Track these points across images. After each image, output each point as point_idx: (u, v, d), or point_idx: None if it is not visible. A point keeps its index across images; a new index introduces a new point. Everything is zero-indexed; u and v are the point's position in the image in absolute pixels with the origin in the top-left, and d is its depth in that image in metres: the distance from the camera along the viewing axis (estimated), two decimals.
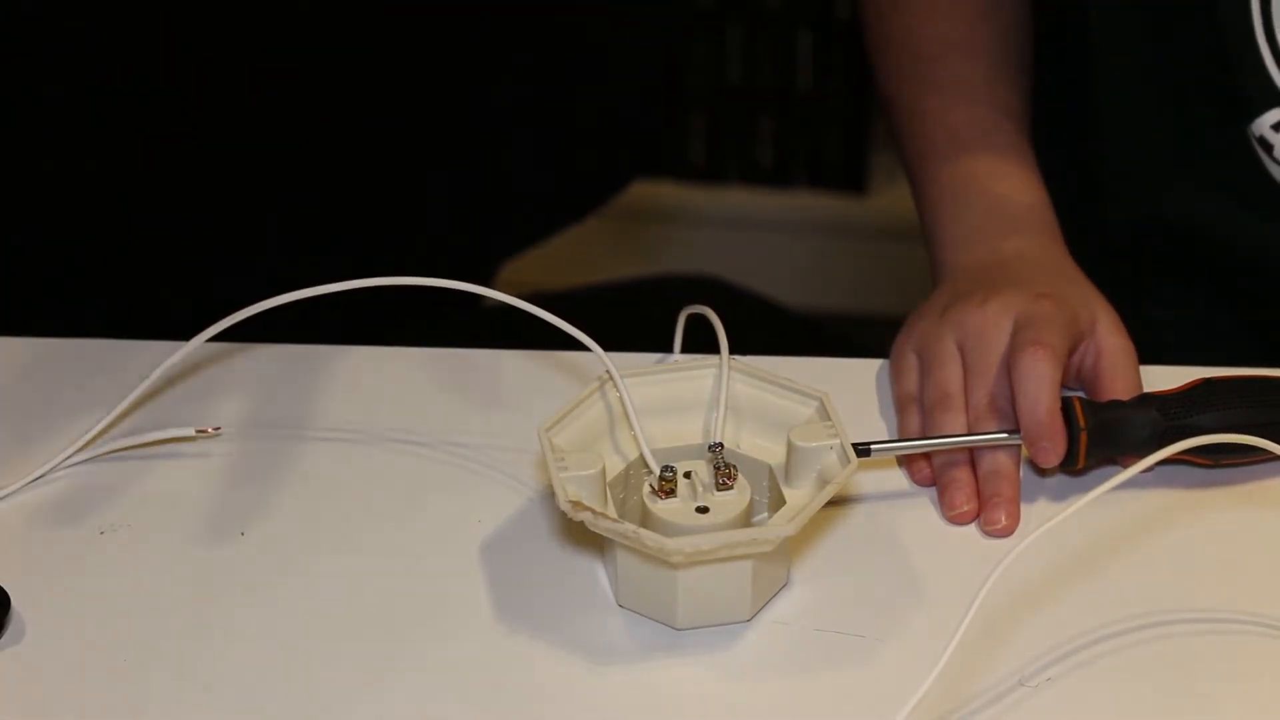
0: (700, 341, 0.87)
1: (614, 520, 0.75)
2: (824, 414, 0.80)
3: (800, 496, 0.79)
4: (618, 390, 0.82)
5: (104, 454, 0.87)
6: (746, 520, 0.78)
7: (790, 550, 0.80)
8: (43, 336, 0.96)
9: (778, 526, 0.75)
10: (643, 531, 0.74)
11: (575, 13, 1.25)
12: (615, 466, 0.81)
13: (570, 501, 0.76)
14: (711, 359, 0.83)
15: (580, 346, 0.81)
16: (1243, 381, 0.87)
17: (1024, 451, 0.86)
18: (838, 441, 0.79)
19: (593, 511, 0.75)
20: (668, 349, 0.90)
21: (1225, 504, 0.85)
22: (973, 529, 0.84)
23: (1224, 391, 0.86)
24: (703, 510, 0.78)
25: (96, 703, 0.74)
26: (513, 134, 1.27)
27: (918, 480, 0.87)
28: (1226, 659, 0.76)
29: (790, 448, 0.79)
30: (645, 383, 0.83)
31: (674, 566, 0.76)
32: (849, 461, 0.78)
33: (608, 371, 0.82)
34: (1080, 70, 1.05)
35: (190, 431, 0.87)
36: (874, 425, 0.91)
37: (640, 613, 0.78)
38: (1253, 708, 0.74)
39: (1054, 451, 0.84)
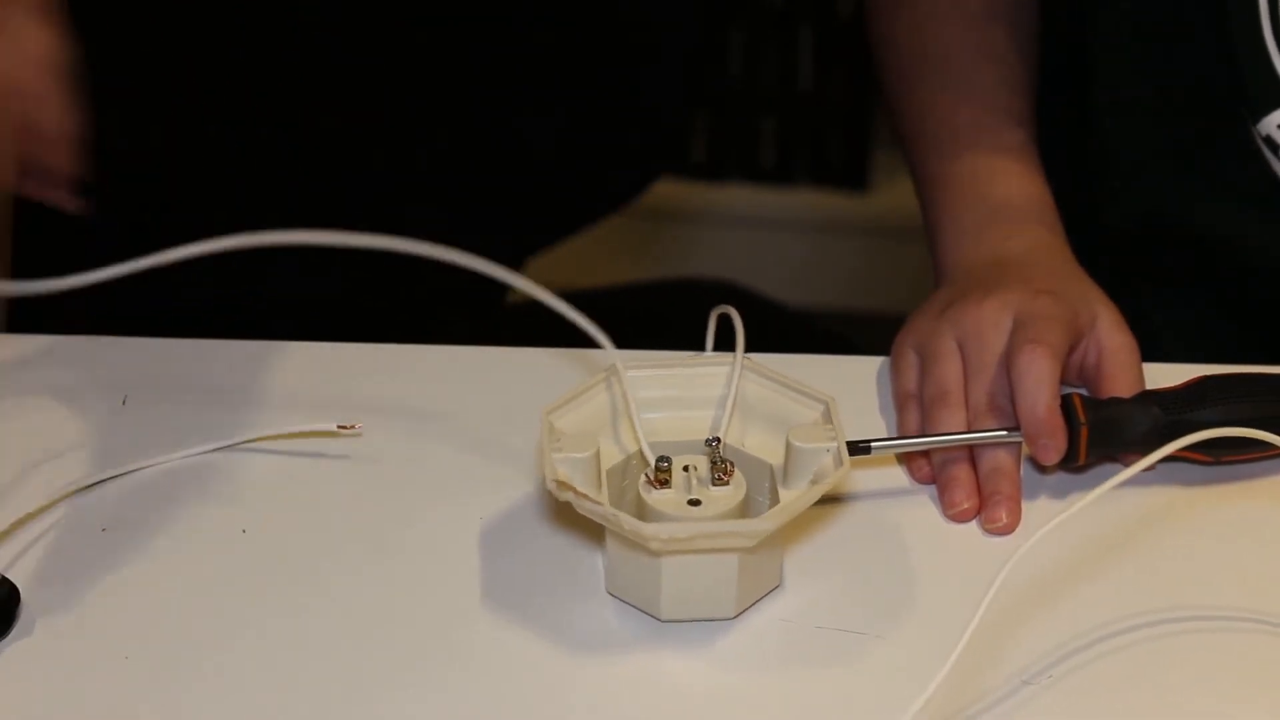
0: (733, 343, 0.87)
1: (595, 502, 0.76)
2: (828, 417, 0.81)
3: (793, 497, 0.79)
4: (625, 382, 0.82)
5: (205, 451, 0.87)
6: (740, 516, 0.78)
7: (782, 553, 0.80)
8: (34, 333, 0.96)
9: (755, 521, 0.75)
10: (621, 515, 0.75)
11: (602, 9, 1.25)
12: (615, 456, 0.82)
13: (556, 481, 0.76)
14: (727, 357, 0.84)
15: (591, 345, 0.82)
16: (1243, 378, 0.87)
17: (1024, 449, 0.86)
18: (835, 444, 0.79)
19: (575, 492, 0.76)
20: (676, 349, 0.91)
21: (1227, 501, 0.86)
22: (973, 527, 0.84)
23: (1225, 387, 0.86)
24: (695, 503, 0.78)
25: (104, 697, 0.74)
26: (539, 129, 1.27)
27: (918, 478, 0.87)
28: (1230, 657, 0.77)
29: (788, 448, 0.80)
30: (658, 376, 0.83)
31: (655, 554, 0.76)
32: (842, 464, 0.78)
33: (614, 363, 0.82)
34: (1082, 68, 1.05)
35: (333, 427, 0.87)
36: (874, 423, 0.91)
37: (627, 601, 0.79)
38: (1257, 706, 0.74)
39: (1054, 449, 0.85)
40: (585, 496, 0.76)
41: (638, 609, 0.78)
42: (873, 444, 0.84)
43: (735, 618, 0.78)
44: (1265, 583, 0.81)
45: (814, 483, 0.78)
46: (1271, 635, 0.78)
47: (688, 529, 0.75)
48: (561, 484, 0.76)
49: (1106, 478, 0.76)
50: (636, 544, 0.76)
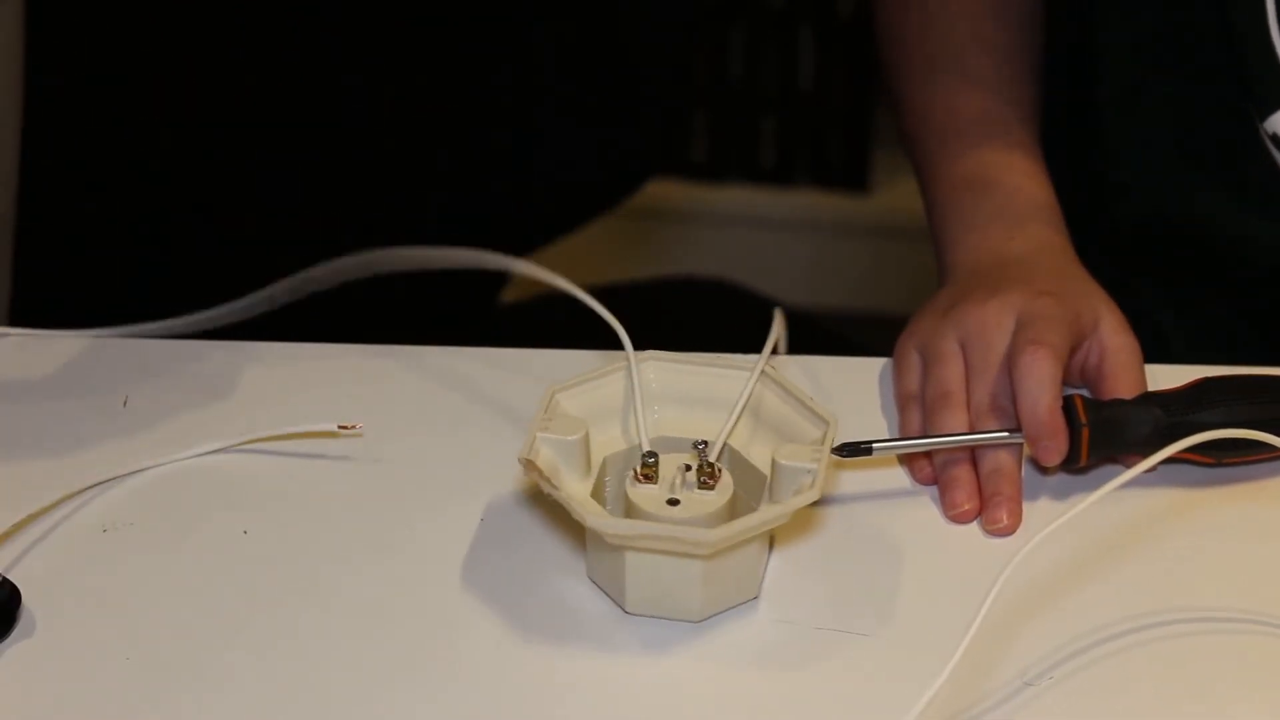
0: (729, 342, 0.87)
1: (553, 486, 0.76)
2: (822, 440, 0.80)
3: (753, 515, 0.78)
4: (639, 374, 0.82)
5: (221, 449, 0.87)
6: (722, 522, 0.78)
7: (760, 565, 0.80)
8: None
9: (702, 531, 0.75)
10: (573, 500, 0.75)
11: (601, 8, 1.25)
12: (617, 444, 0.82)
13: (524, 460, 0.77)
14: (751, 361, 0.84)
15: (596, 346, 0.82)
16: (1245, 379, 0.87)
17: (1026, 450, 0.86)
18: (816, 467, 0.78)
19: (539, 473, 0.76)
20: (673, 348, 0.90)
21: (1228, 502, 0.86)
22: (974, 528, 0.84)
23: (1226, 389, 0.86)
24: (674, 503, 0.78)
25: (104, 698, 0.74)
26: (528, 130, 1.27)
27: (919, 479, 0.87)
28: (1231, 659, 0.77)
29: (773, 463, 0.79)
30: (680, 372, 0.83)
31: (616, 548, 0.76)
32: (814, 487, 0.77)
33: (629, 360, 0.82)
34: (1085, 65, 1.05)
35: (333, 427, 0.87)
36: (876, 424, 0.91)
37: (601, 587, 0.79)
38: (1258, 708, 0.74)
39: (1056, 450, 0.84)
40: (546, 480, 0.76)
41: (609, 596, 0.79)
42: (874, 444, 0.84)
43: (698, 622, 0.78)
44: (1266, 584, 0.81)
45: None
46: (1272, 637, 0.78)
47: (633, 527, 0.75)
48: (528, 463, 0.76)
49: (1107, 479, 0.76)
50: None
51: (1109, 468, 0.87)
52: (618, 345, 0.84)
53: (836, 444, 0.81)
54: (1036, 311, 0.88)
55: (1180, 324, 1.08)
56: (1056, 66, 1.09)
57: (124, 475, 0.86)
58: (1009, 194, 0.98)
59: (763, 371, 0.83)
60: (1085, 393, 0.90)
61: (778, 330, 0.86)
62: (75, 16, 1.16)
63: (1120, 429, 0.85)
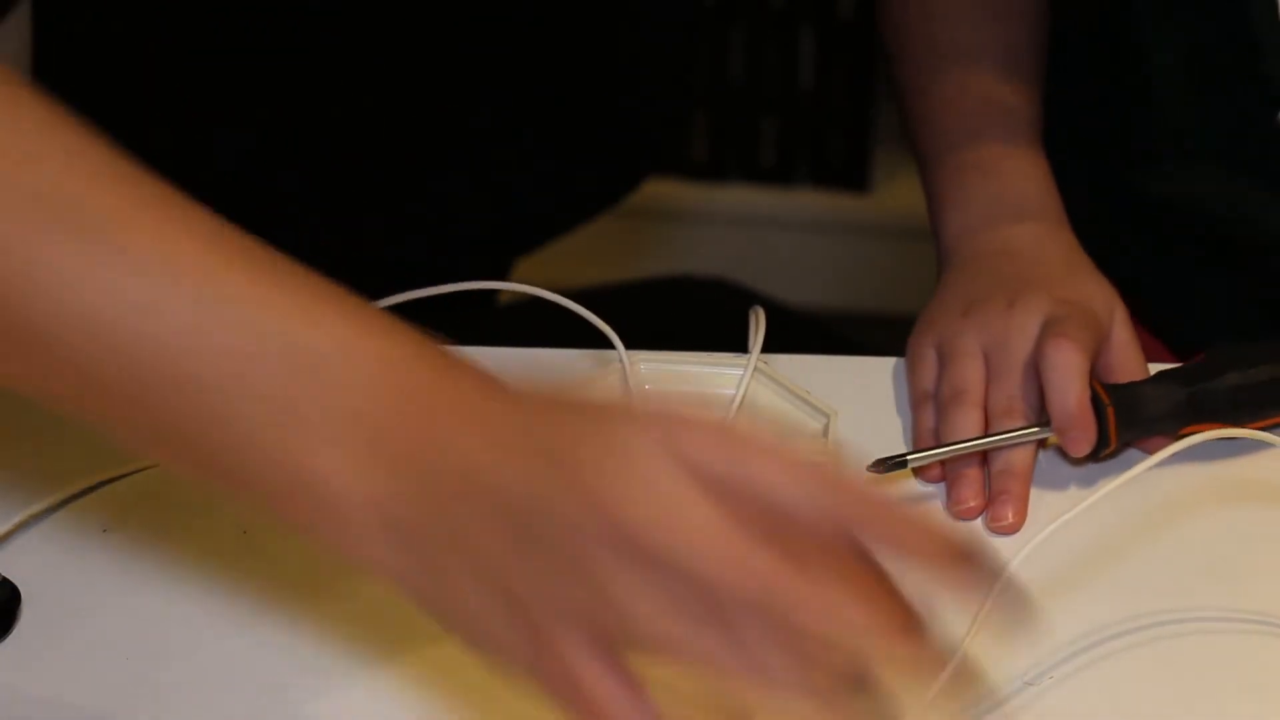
0: (729, 341, 0.87)
1: None
2: (824, 432, 0.80)
3: None
4: (630, 378, 0.82)
5: None
6: None
7: None
8: None
9: None
10: None
11: (590, 7, 1.25)
12: None
13: None
14: (743, 359, 0.83)
15: (591, 344, 0.82)
16: (1255, 345, 0.89)
17: (1039, 449, 0.86)
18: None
19: None
20: (672, 348, 0.90)
21: (1228, 502, 0.86)
22: (976, 526, 0.84)
23: (1239, 355, 0.87)
24: None
25: (104, 698, 0.74)
26: (527, 129, 1.27)
27: (926, 478, 0.86)
28: (1231, 659, 0.77)
29: None
30: (670, 372, 0.83)
31: None
32: None
33: (620, 359, 0.82)
34: (1111, 45, 1.05)
35: None
36: (876, 424, 0.91)
37: None
38: (1258, 708, 0.74)
39: (1086, 440, 0.85)
40: None
41: None
42: (909, 457, 0.84)
43: None
44: (1266, 584, 0.81)
45: None
46: (1272, 637, 0.78)
47: None
48: None
49: (1118, 475, 0.76)
50: None
51: (1110, 466, 0.87)
52: (614, 344, 0.84)
53: (871, 461, 0.81)
54: (1064, 314, 0.88)
55: (1192, 315, 1.07)
56: (1088, 55, 1.09)
57: (125, 476, 0.86)
58: (1011, 186, 0.98)
59: (755, 368, 0.83)
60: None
61: (759, 327, 0.86)
62: (74, 19, 1.16)
63: (1143, 405, 0.86)
